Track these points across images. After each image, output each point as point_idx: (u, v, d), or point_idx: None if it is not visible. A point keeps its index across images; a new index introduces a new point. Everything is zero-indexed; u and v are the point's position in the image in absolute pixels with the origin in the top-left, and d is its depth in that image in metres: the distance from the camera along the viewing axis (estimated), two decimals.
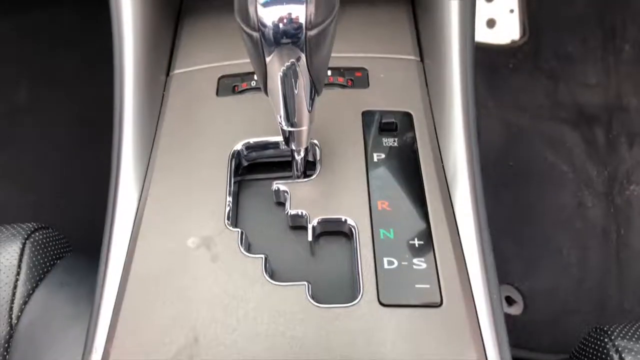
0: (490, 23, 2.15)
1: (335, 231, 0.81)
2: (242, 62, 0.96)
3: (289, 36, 0.58)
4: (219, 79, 0.96)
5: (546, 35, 2.13)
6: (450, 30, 0.91)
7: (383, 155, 0.85)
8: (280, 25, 0.57)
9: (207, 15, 1.08)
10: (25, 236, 0.96)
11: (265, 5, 0.57)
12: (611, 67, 2.08)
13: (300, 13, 0.57)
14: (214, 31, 1.05)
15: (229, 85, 0.95)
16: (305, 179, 0.83)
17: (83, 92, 1.96)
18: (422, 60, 0.99)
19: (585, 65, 2.09)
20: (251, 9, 0.57)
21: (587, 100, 2.03)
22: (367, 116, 0.89)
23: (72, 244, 1.09)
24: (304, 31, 0.58)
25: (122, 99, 0.90)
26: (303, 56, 0.60)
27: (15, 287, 0.91)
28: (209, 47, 1.02)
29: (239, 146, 0.86)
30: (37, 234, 0.97)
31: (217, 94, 0.95)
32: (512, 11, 2.16)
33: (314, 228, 0.78)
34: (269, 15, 0.57)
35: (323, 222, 0.79)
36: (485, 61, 2.10)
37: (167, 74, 1.00)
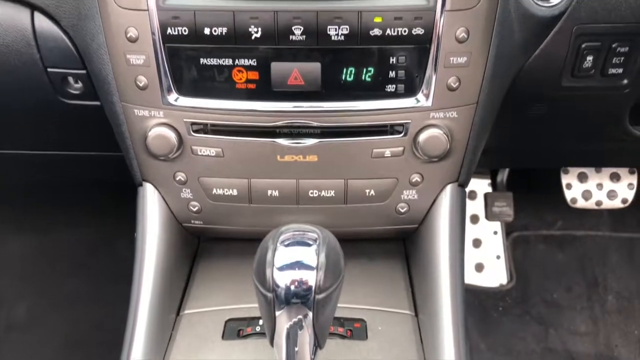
0: (479, 267, 2.27)
1: None
2: (250, 307, 1.02)
3: (299, 297, 0.65)
4: (226, 322, 1.01)
5: (532, 282, 2.23)
6: (440, 290, 0.98)
7: None
8: (292, 287, 0.65)
9: (221, 257, 1.17)
10: None
11: (280, 269, 0.65)
12: (598, 316, 2.13)
13: (310, 278, 0.65)
14: (226, 273, 1.13)
15: (235, 329, 1.00)
16: None
17: (81, 315, 1.99)
18: (416, 314, 1.05)
19: (573, 312, 2.14)
20: (268, 272, 0.66)
21: (578, 349, 2.04)
22: None
23: None
24: (313, 294, 0.66)
25: (132, 336, 0.94)
26: (310, 314, 0.67)
27: None
28: (219, 289, 1.09)
29: None
30: None
31: (222, 337, 0.99)
32: (498, 257, 2.29)
33: None
34: (283, 279, 0.65)
35: None
36: (476, 303, 2.16)
37: (178, 313, 1.05)
